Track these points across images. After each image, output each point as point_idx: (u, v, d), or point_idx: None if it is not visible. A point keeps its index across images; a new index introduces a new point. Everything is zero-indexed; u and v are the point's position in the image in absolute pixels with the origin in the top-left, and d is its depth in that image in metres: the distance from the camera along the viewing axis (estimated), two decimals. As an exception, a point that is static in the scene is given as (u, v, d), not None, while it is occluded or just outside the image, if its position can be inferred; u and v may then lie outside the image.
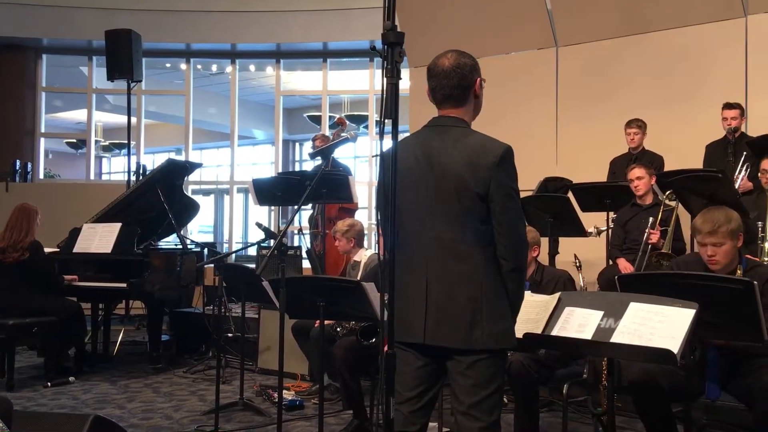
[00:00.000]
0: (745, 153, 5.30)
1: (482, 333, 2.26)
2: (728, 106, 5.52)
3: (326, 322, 3.80)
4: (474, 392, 2.28)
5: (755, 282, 2.54)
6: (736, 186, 5.17)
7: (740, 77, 6.23)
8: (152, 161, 15.15)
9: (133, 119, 9.46)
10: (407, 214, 2.35)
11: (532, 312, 2.68)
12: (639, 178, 5.25)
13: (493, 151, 2.27)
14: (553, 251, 5.57)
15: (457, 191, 2.28)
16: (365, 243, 5.19)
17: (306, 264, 7.22)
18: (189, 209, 6.70)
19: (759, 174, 4.65)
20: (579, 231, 5.32)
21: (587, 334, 2.43)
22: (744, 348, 3.03)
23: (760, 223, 4.39)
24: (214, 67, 12.76)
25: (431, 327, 2.29)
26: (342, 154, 9.22)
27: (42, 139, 11.36)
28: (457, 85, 2.35)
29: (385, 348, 2.10)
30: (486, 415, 2.29)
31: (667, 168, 5.63)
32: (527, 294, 2.94)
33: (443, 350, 2.32)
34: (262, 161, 17.64)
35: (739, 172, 5.27)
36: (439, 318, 2.29)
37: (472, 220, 2.28)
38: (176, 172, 6.42)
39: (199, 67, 12.25)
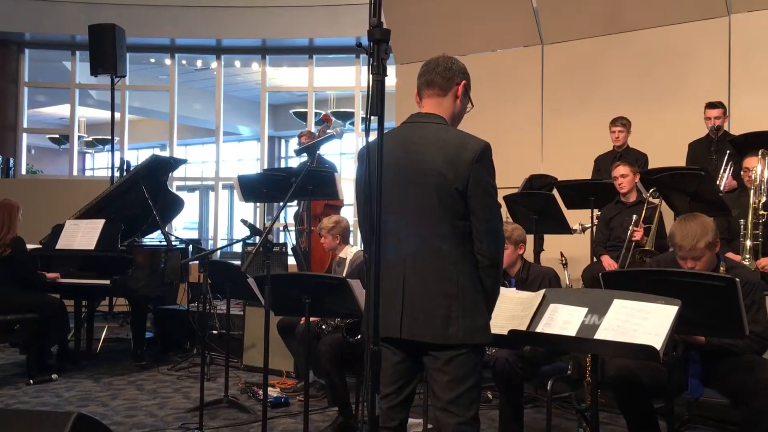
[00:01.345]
0: (728, 152, 5.36)
1: (458, 328, 2.28)
2: (711, 105, 5.57)
3: (311, 319, 3.79)
4: (451, 388, 2.31)
5: (737, 279, 2.57)
6: (722, 185, 5.22)
7: (723, 76, 6.29)
8: (136, 157, 15.05)
9: (117, 115, 9.40)
10: (385, 211, 2.35)
11: (517, 309, 2.70)
12: (623, 176, 5.28)
13: (472, 147, 2.30)
14: (538, 248, 5.60)
15: (436, 187, 2.30)
16: (351, 240, 5.19)
17: (291, 261, 7.20)
18: (173, 205, 6.66)
19: (741, 172, 4.69)
20: (564, 228, 5.35)
21: (571, 331, 2.45)
22: (722, 346, 3.06)
23: (742, 221, 4.44)
24: (198, 63, 12.69)
25: (407, 322, 2.31)
26: (328, 151, 9.23)
27: (24, 135, 11.25)
28: (441, 72, 2.43)
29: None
30: (464, 410, 2.32)
31: (651, 166, 5.68)
32: (512, 291, 2.96)
33: (420, 346, 2.34)
34: (247, 157, 17.57)
35: (724, 171, 5.32)
36: (414, 313, 2.31)
37: (450, 216, 2.30)
38: (161, 168, 6.38)
39: (183, 62, 12.17)
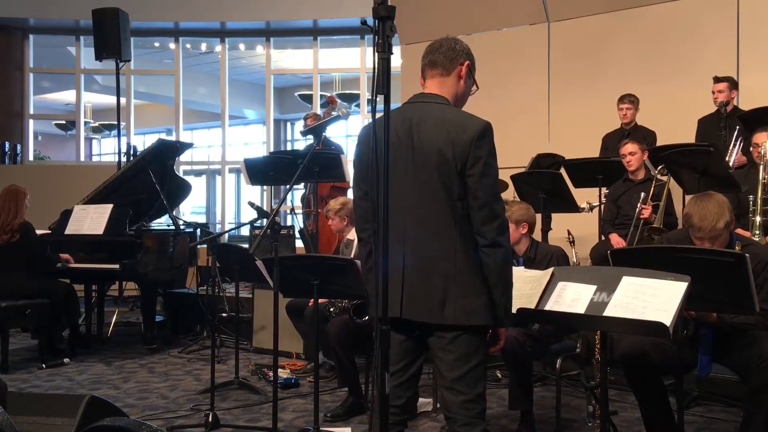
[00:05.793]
0: (737, 127, 5.31)
1: (454, 309, 2.28)
2: (716, 79, 5.52)
3: (320, 300, 3.80)
4: (456, 367, 2.32)
5: (747, 254, 2.55)
6: (731, 161, 5.18)
7: (732, 51, 6.22)
8: (143, 142, 15.05)
9: (123, 100, 9.38)
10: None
11: (526, 287, 2.69)
12: (631, 154, 5.25)
13: (473, 126, 2.29)
14: (546, 227, 5.59)
15: (436, 167, 2.30)
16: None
17: (299, 243, 7.21)
18: (181, 190, 6.67)
19: (750, 148, 4.66)
20: (571, 207, 5.34)
21: (580, 309, 2.44)
22: (735, 324, 3.05)
23: (751, 197, 4.40)
24: (203, 46, 12.62)
25: (406, 302, 2.32)
26: (334, 133, 9.18)
27: (31, 121, 11.25)
28: (444, 52, 2.44)
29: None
30: (469, 388, 2.33)
31: (660, 143, 5.64)
32: (521, 269, 2.94)
33: (424, 326, 2.35)
34: (253, 141, 17.56)
35: (733, 146, 5.28)
36: (413, 293, 2.32)
37: (450, 196, 2.30)
38: (167, 152, 6.38)
39: (188, 46, 12.11)
